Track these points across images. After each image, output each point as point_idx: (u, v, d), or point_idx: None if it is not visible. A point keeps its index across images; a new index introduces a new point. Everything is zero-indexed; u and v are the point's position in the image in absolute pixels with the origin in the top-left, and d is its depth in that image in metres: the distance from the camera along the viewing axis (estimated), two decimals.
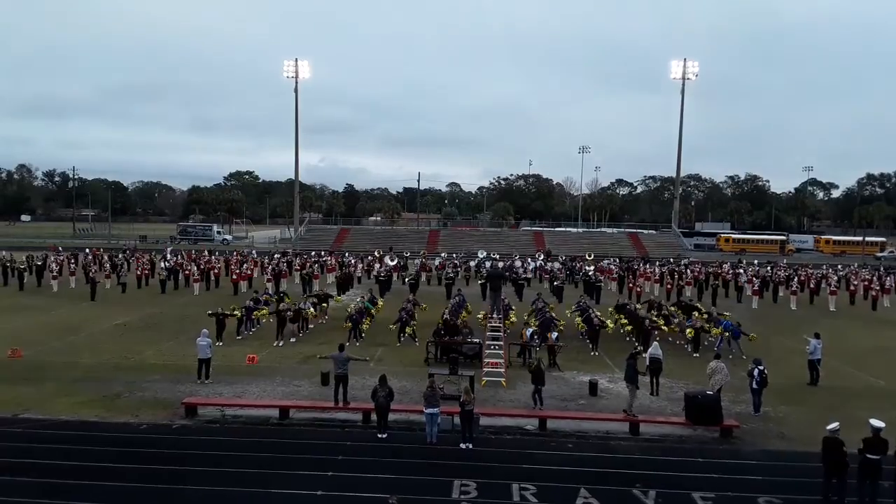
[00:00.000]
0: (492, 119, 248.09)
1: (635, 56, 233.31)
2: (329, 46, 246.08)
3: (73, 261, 47.14)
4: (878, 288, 41.36)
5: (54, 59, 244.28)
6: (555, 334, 23.21)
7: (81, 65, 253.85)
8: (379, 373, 16.77)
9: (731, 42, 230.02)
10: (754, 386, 17.67)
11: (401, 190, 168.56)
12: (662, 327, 25.96)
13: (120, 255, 51.93)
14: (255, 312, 27.52)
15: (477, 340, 22.95)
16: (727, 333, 24.93)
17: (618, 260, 58.59)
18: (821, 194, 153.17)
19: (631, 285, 42.43)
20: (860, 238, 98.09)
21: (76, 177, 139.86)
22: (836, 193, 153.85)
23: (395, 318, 26.42)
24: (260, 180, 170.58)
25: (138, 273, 43.04)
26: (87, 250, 55.90)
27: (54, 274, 41.13)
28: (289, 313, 26.06)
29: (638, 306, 28.49)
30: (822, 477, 12.25)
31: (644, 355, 19.49)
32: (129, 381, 19.67)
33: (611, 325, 26.07)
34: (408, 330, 25.87)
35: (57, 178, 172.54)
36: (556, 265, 51.08)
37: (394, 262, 48.35)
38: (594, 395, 19.05)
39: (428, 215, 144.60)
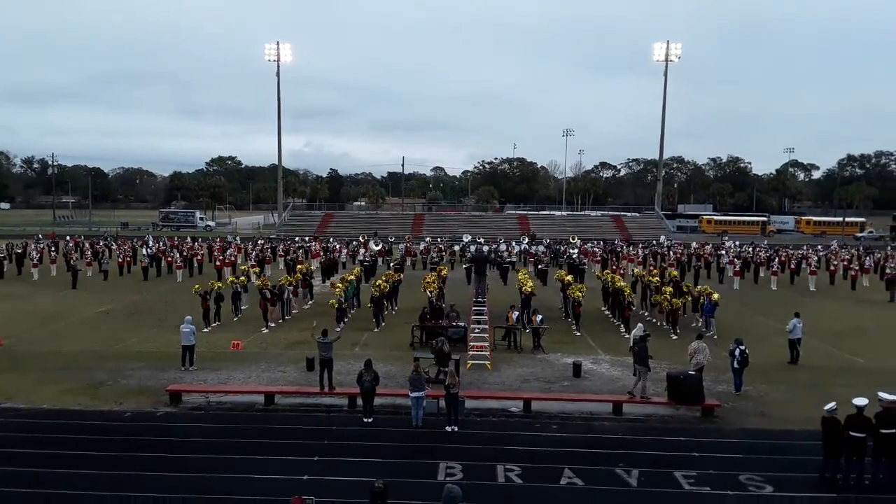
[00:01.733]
0: (476, 103, 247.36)
1: (619, 39, 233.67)
2: (314, 30, 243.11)
3: (53, 248, 46.60)
4: (857, 268, 41.93)
5: (32, 45, 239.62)
6: (539, 317, 23.33)
7: (61, 51, 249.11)
8: (364, 357, 16.81)
9: (713, 25, 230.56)
10: (735, 365, 17.91)
11: (385, 174, 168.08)
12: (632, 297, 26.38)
13: (101, 243, 51.43)
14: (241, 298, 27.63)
15: (462, 324, 23.04)
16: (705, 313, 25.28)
17: (602, 242, 58.90)
18: (802, 175, 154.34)
19: (614, 267, 42.69)
20: (840, 218, 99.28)
21: (55, 163, 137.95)
22: (816, 174, 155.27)
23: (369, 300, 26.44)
24: (243, 165, 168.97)
25: (120, 260, 42.68)
26: (68, 238, 55.26)
27: (35, 262, 40.67)
28: (269, 291, 26.10)
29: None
30: (823, 456, 12.42)
31: (627, 336, 19.68)
32: (113, 369, 19.56)
33: (577, 294, 26.19)
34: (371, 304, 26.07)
35: (36, 165, 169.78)
36: (541, 248, 51.24)
37: (378, 247, 48.24)
38: (578, 376, 19.20)
39: (412, 200, 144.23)
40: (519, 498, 11.68)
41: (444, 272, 32.61)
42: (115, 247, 49.23)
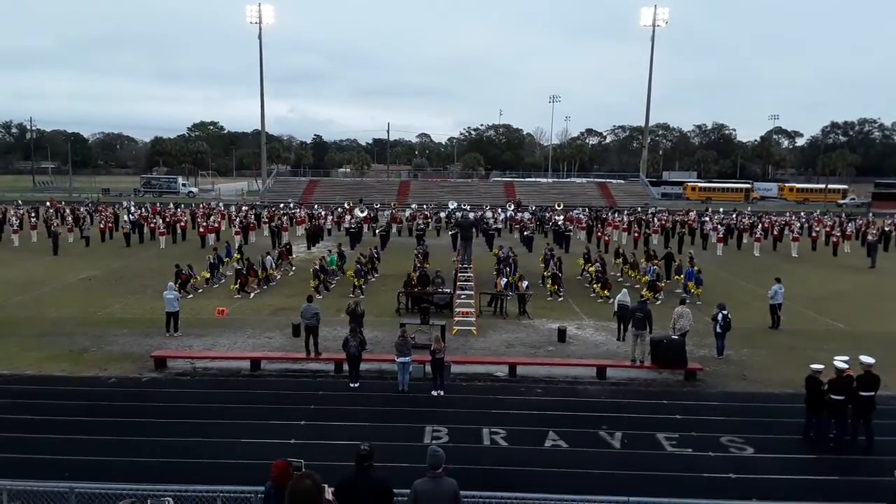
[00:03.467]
0: (463, 68, 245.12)
1: (606, 3, 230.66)
2: None
3: (33, 214, 45.96)
4: (839, 234, 42.36)
5: (7, 5, 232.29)
6: (525, 283, 23.40)
7: (41, 13, 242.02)
8: (350, 323, 16.79)
9: None
10: (718, 330, 18.12)
11: (370, 141, 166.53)
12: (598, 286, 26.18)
13: (82, 209, 50.80)
14: (220, 268, 27.43)
15: (448, 290, 23.07)
16: (691, 283, 25.34)
17: (587, 209, 59.03)
18: (786, 143, 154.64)
19: (599, 234, 42.89)
20: (823, 185, 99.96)
21: (34, 128, 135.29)
22: (800, 142, 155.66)
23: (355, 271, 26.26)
24: (225, 131, 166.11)
25: (101, 226, 42.20)
26: (48, 203, 54.50)
27: (14, 228, 40.11)
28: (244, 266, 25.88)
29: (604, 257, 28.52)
30: (805, 415, 12.74)
31: (610, 301, 19.78)
32: (96, 336, 19.43)
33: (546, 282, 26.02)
34: (358, 282, 25.71)
35: (14, 130, 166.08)
36: (526, 215, 51.26)
37: (364, 214, 48.03)
38: (563, 341, 19.34)
39: (398, 166, 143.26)
40: (504, 460, 11.79)
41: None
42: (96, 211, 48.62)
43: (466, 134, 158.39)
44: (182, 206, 55.60)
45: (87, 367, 16.81)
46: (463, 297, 22.26)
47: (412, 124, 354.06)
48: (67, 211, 49.05)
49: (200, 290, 25.63)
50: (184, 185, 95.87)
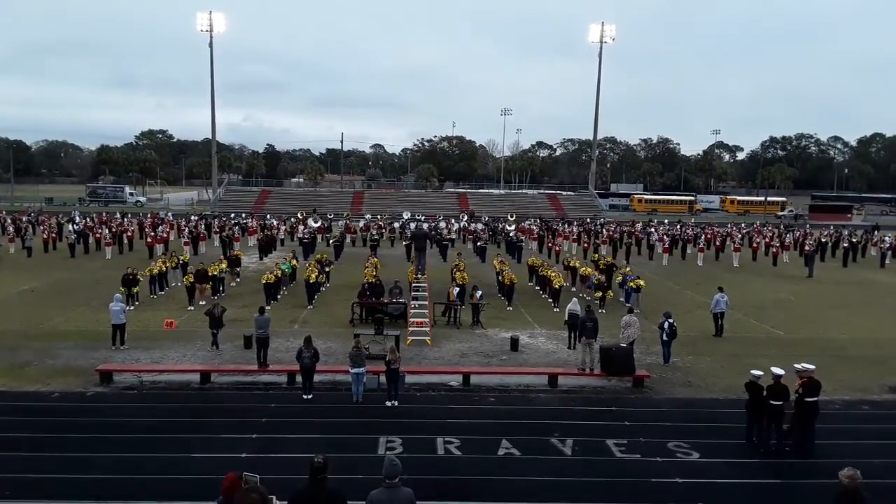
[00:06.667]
0: (417, 80, 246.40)
1: (556, 19, 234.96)
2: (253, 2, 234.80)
3: None
4: (778, 245, 43.99)
5: None
6: (479, 293, 23.61)
7: None
8: (303, 334, 16.71)
9: (645, 8, 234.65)
10: (664, 338, 18.63)
11: (324, 151, 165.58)
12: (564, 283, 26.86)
13: (24, 218, 49.11)
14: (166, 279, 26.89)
15: (403, 300, 23.12)
16: (629, 284, 25.89)
17: (538, 220, 59.85)
18: (727, 157, 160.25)
19: (550, 244, 43.55)
20: (763, 198, 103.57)
21: None
22: (741, 156, 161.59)
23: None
24: (174, 139, 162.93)
25: (45, 237, 40.86)
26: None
27: None
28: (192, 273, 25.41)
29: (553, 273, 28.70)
30: (747, 420, 13.19)
31: (557, 310, 20.11)
32: (39, 349, 18.82)
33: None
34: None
35: None
36: (479, 226, 51.71)
37: (317, 224, 47.71)
38: (515, 350, 19.59)
39: (352, 177, 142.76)
40: (458, 469, 11.90)
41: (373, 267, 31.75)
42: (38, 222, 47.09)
43: (420, 145, 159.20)
44: (129, 215, 54.14)
45: (30, 381, 16.27)
46: (417, 306, 22.35)
47: (367, 135, 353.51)
48: (8, 221, 47.28)
49: (154, 297, 25.02)
50: (131, 194, 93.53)
